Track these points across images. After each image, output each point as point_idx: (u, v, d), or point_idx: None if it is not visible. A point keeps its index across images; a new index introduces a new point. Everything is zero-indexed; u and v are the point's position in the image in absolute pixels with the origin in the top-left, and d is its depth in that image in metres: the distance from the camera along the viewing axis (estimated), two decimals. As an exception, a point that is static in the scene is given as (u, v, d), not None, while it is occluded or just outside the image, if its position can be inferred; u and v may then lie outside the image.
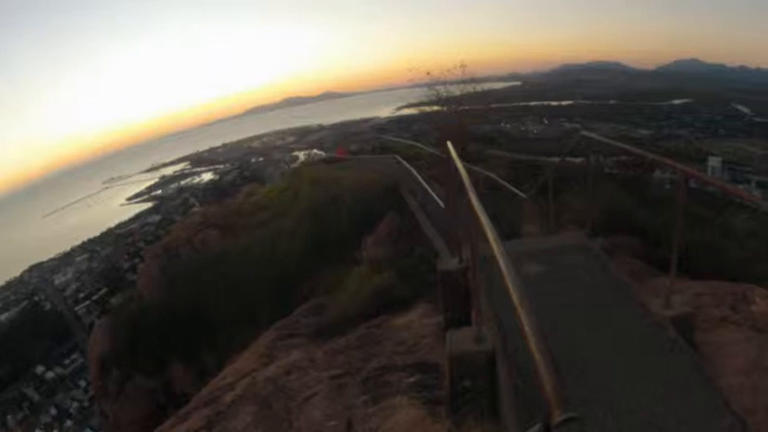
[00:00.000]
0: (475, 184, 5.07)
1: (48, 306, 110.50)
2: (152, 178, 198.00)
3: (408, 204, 21.30)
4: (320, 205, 26.23)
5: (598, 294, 5.90)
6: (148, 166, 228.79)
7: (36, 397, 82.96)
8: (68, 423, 72.04)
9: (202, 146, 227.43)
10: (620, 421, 3.82)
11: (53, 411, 77.92)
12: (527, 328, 2.31)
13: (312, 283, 18.38)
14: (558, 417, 1.79)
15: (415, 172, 25.10)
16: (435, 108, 31.03)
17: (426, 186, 21.01)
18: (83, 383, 78.17)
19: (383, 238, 17.29)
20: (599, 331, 5.07)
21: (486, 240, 3.55)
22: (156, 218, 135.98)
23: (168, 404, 25.37)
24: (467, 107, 29.26)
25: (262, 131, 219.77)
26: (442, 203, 16.65)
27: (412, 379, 6.52)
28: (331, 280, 15.66)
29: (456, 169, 5.81)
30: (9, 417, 64.90)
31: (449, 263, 7.13)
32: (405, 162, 29.27)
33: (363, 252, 14.86)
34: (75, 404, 77.23)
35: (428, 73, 29.41)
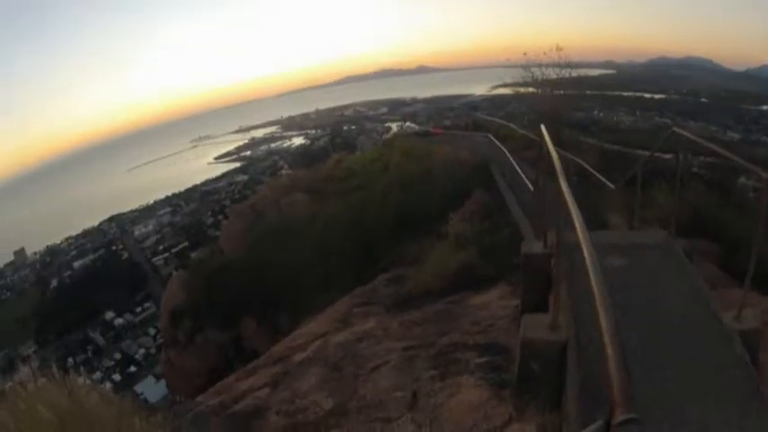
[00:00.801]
0: (565, 169, 5.06)
1: (125, 255, 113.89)
2: (241, 139, 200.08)
3: (497, 183, 21.33)
4: (410, 177, 26.26)
5: (673, 297, 5.78)
6: (237, 127, 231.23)
7: (101, 341, 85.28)
8: (132, 368, 73.82)
9: (294, 111, 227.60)
10: (675, 428, 3.79)
11: (117, 356, 79.84)
12: (603, 324, 2.34)
13: (395, 253, 18.43)
14: (619, 416, 1.84)
15: (506, 152, 24.94)
16: (530, 90, 30.77)
17: (517, 167, 20.92)
18: (152, 331, 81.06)
19: (470, 216, 16.94)
20: (668, 335, 4.98)
21: (573, 228, 3.57)
22: (244, 178, 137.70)
23: (235, 359, 25.62)
24: (562, 92, 28.98)
25: (355, 100, 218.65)
26: (531, 186, 16.53)
27: (482, 359, 6.50)
28: (414, 252, 15.82)
29: (548, 153, 5.80)
30: (70, 358, 65.81)
31: (533, 246, 7.01)
32: (497, 141, 29.18)
33: (449, 227, 14.76)
34: (141, 351, 79.63)
35: (525, 53, 29.20)
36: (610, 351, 2.17)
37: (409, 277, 12.77)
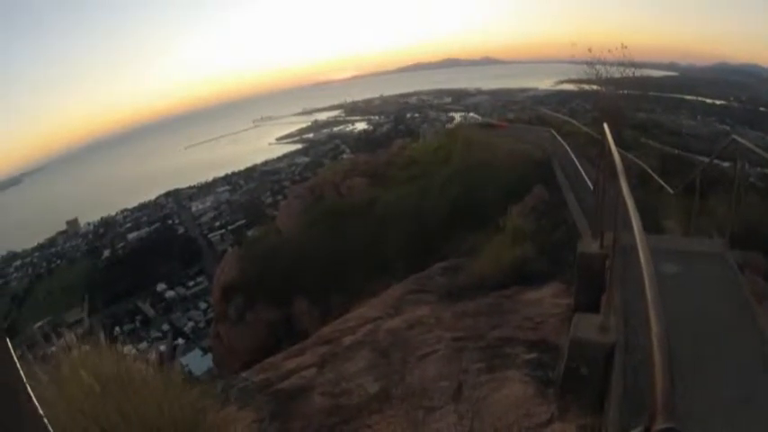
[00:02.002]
0: (625, 170, 5.02)
1: (180, 230, 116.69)
2: (304, 122, 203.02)
3: (558, 180, 21.14)
4: (471, 168, 26.37)
5: (724, 309, 5.74)
6: (301, 109, 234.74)
7: (151, 312, 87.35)
8: (179, 341, 74.39)
9: (358, 96, 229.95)
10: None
11: (165, 327, 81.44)
12: (654, 330, 2.31)
13: (452, 243, 18.47)
14: (659, 424, 1.80)
15: (568, 148, 24.64)
16: (594, 87, 30.66)
17: (578, 165, 20.82)
18: (202, 306, 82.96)
19: (529, 210, 17.22)
20: (714, 347, 4.95)
21: (630, 231, 3.54)
22: (305, 160, 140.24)
23: (284, 338, 25.79)
24: (625, 91, 28.81)
25: (419, 88, 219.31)
26: (590, 184, 16.48)
27: (530, 355, 6.49)
28: (471, 243, 15.79)
29: (610, 153, 5.75)
30: (117, 327, 66.76)
31: (589, 246, 6.97)
32: (559, 137, 28.71)
33: (507, 221, 14.76)
34: (190, 324, 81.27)
35: (590, 50, 29.06)
36: (657, 358, 2.14)
37: (464, 268, 12.77)
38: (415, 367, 7.00)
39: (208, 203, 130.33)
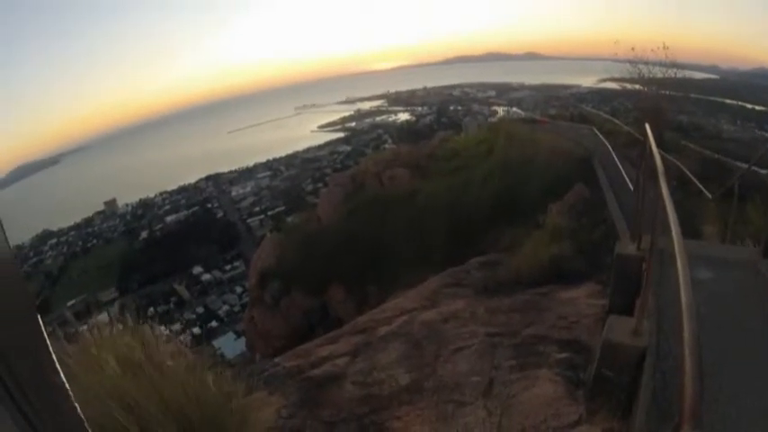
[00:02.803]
0: (665, 173, 4.98)
1: (219, 214, 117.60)
2: (347, 110, 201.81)
3: (599, 179, 21.01)
4: (513, 163, 26.34)
5: (754, 320, 5.60)
6: (344, 98, 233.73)
7: (186, 294, 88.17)
8: (213, 323, 75.72)
9: (402, 86, 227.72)
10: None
11: (200, 310, 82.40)
12: (686, 337, 2.28)
13: (491, 238, 18.55)
14: (686, 431, 1.79)
15: (610, 148, 24.85)
16: (636, 87, 30.48)
17: (619, 164, 20.80)
18: (238, 290, 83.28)
19: (568, 209, 17.22)
20: (740, 360, 4.79)
21: (668, 235, 3.50)
22: (347, 148, 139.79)
23: (319, 326, 26.05)
24: (667, 92, 28.62)
25: (463, 81, 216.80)
26: (630, 185, 16.40)
27: (562, 355, 6.49)
28: (510, 239, 16.04)
29: (651, 154, 5.71)
30: (151, 308, 67.39)
31: (627, 248, 6.90)
32: (601, 136, 28.95)
33: (547, 218, 14.77)
34: (225, 307, 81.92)
35: (633, 49, 28.88)
36: (687, 366, 2.12)
37: (502, 263, 12.80)
38: (448, 361, 7.02)
39: (248, 188, 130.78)
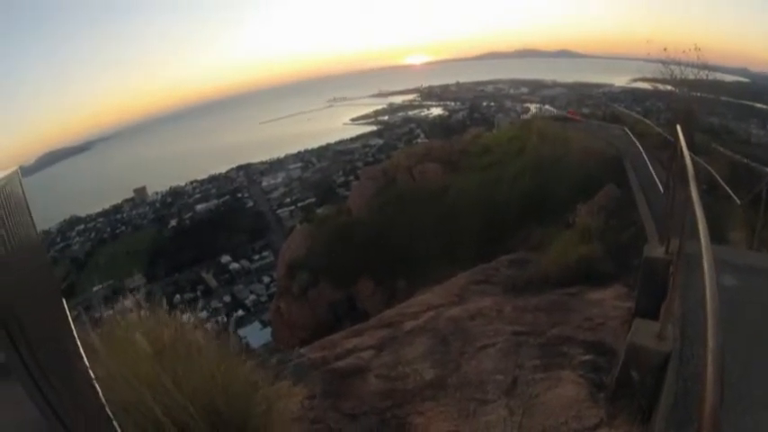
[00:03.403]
0: (695, 176, 4.95)
1: (249, 204, 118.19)
2: (379, 104, 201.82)
3: (629, 180, 20.92)
4: (544, 162, 26.51)
5: None
6: (377, 91, 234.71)
7: (213, 283, 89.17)
8: (239, 312, 75.16)
9: (434, 81, 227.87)
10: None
11: (227, 299, 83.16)
12: (710, 344, 2.27)
13: (520, 236, 18.64)
14: None
15: (641, 149, 24.61)
16: (668, 87, 30.33)
17: (650, 166, 20.72)
18: (266, 280, 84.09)
19: (598, 209, 16.85)
20: (762, 370, 4.70)
21: (696, 238, 3.48)
22: (379, 142, 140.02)
23: (345, 318, 26.25)
24: (698, 94, 28.47)
25: (495, 77, 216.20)
26: (661, 187, 16.33)
27: (586, 357, 6.46)
28: (539, 238, 16.24)
29: (682, 157, 5.68)
30: (178, 295, 67.62)
31: (655, 250, 6.81)
32: (632, 136, 28.69)
33: (576, 218, 14.74)
34: (252, 297, 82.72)
35: (665, 49, 28.71)
36: (709, 373, 2.11)
37: (531, 262, 12.84)
38: (473, 358, 7.02)
39: (279, 179, 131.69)
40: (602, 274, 10.60)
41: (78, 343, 3.81)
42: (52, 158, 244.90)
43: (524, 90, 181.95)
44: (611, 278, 10.31)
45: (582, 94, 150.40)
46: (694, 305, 4.14)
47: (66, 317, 4.11)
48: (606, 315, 7.96)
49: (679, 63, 27.92)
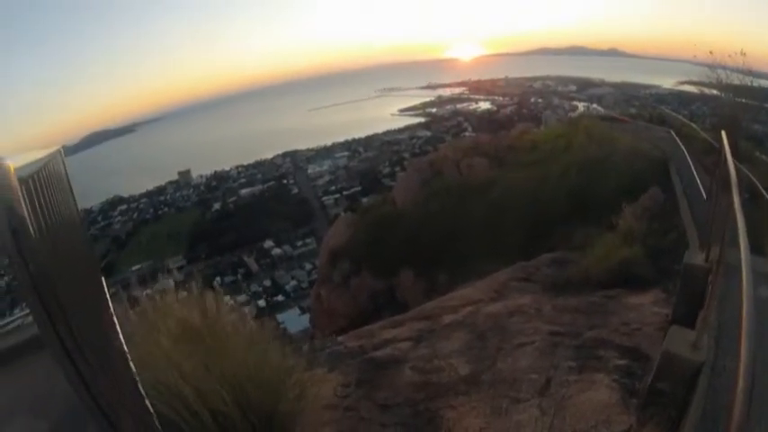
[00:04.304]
0: (739, 184, 4.90)
1: (294, 190, 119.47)
2: (427, 96, 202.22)
3: (673, 184, 20.71)
4: (591, 161, 26.17)
5: None
6: (426, 83, 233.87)
7: (255, 267, 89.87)
8: (279, 297, 77.17)
9: (483, 75, 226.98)
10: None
11: (267, 283, 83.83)
12: (743, 357, 2.26)
13: (563, 235, 18.48)
14: None
15: (686, 153, 24.15)
16: (714, 92, 30.06)
17: (694, 171, 20.54)
18: (307, 266, 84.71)
19: (642, 212, 16.57)
20: None
21: (737, 248, 3.45)
22: (426, 134, 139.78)
23: (385, 308, 26.18)
24: (743, 100, 28.18)
25: (544, 73, 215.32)
26: (704, 193, 16.24)
27: (621, 362, 6.43)
28: (582, 237, 15.91)
29: (725, 163, 5.63)
30: (218, 278, 68.08)
31: (695, 257, 6.75)
32: (678, 140, 28.30)
33: (620, 220, 14.66)
34: (292, 282, 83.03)
35: (711, 52, 28.42)
36: (740, 386, 2.10)
37: (572, 262, 12.85)
38: (509, 355, 7.03)
39: (325, 167, 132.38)
40: (643, 278, 10.56)
41: (115, 319, 3.87)
42: (96, 139, 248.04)
43: (572, 88, 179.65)
44: (650, 283, 10.27)
45: (629, 95, 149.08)
46: (731, 316, 4.09)
47: (104, 293, 4.17)
48: (643, 320, 7.94)
49: (724, 67, 27.62)
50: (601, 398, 5.59)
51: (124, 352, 3.56)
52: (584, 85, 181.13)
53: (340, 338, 8.47)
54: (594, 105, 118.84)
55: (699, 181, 18.48)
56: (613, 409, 5.33)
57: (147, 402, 3.17)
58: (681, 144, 25.89)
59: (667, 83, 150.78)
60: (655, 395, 4.94)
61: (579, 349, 6.96)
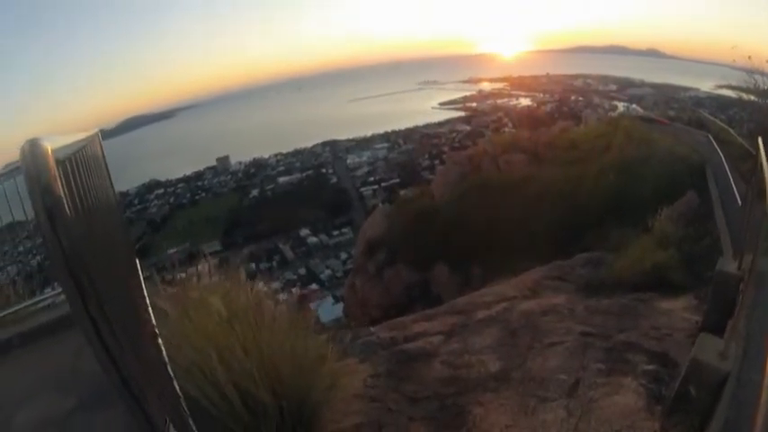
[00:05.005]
0: None
1: (333, 180, 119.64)
2: (468, 90, 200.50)
3: (709, 189, 20.68)
4: (629, 162, 26.40)
5: None
6: (466, 77, 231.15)
7: (290, 255, 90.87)
8: (313, 286, 75.67)
9: (524, 71, 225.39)
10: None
11: (302, 271, 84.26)
12: None
13: (599, 235, 18.61)
14: None
15: (723, 158, 24.44)
16: (752, 98, 29.78)
17: (730, 177, 20.48)
18: (343, 256, 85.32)
19: (677, 216, 16.76)
20: None
21: None
22: (466, 128, 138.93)
23: (418, 301, 26.41)
24: None
25: (585, 71, 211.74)
26: (739, 200, 16.14)
27: (649, 367, 6.33)
28: (617, 239, 16.02)
29: (761, 171, 5.60)
30: (253, 264, 68.36)
31: (728, 265, 6.65)
32: (715, 144, 28.58)
33: (656, 223, 14.63)
34: (327, 271, 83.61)
35: (749, 57, 28.16)
36: (763, 398, 2.10)
37: (607, 263, 12.82)
38: (539, 354, 7.00)
39: (364, 158, 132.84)
40: (676, 283, 10.54)
41: (147, 300, 3.93)
42: (134, 123, 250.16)
43: (612, 87, 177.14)
44: (683, 288, 10.23)
45: (669, 97, 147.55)
46: (761, 326, 4.05)
47: (138, 274, 4.24)
48: (674, 326, 7.90)
49: (762, 73, 27.33)
50: (627, 402, 5.54)
51: (155, 333, 3.61)
52: (625, 85, 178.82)
53: (373, 329, 8.57)
54: (634, 106, 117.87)
55: (734, 187, 18.40)
56: (638, 415, 5.28)
57: (176, 384, 3.22)
58: (718, 149, 25.81)
59: (705, 86, 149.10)
60: (680, 403, 4.91)
61: (609, 352, 6.90)
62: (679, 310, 8.80)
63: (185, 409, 3.17)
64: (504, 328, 8.03)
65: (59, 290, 6.41)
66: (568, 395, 5.86)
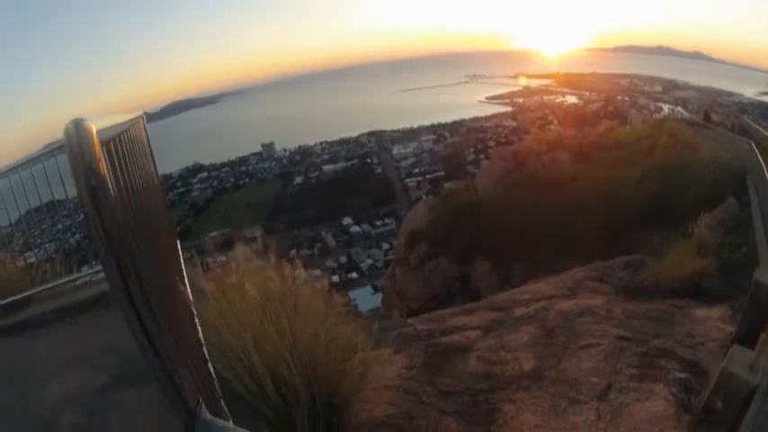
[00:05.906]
0: None
1: (378, 170, 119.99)
2: (515, 85, 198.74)
3: (749, 198, 20.60)
4: (672, 166, 26.31)
5: None
6: (513, 73, 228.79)
7: (332, 243, 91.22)
8: (353, 275, 77.92)
9: (571, 68, 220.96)
10: None
11: (343, 260, 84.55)
12: None
13: (640, 238, 18.55)
14: None
15: (764, 167, 23.91)
16: None
17: None
18: (384, 246, 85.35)
19: (717, 223, 16.69)
20: None
21: None
22: (512, 123, 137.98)
23: (458, 295, 26.65)
24: None
25: (631, 72, 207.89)
26: None
27: (681, 375, 6.31)
28: (658, 243, 15.66)
29: None
30: (294, 250, 68.84)
31: (764, 276, 6.52)
32: (757, 152, 28.01)
33: (696, 228, 14.62)
34: (368, 261, 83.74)
35: None
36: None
37: (646, 267, 12.70)
38: (574, 355, 7.00)
39: (410, 149, 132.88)
40: (713, 291, 10.49)
41: (186, 282, 3.99)
42: (179, 107, 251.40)
43: (658, 89, 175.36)
44: (720, 297, 10.11)
45: (713, 101, 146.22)
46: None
47: (179, 256, 4.31)
48: (708, 335, 7.83)
49: None
50: (656, 409, 5.54)
51: (192, 314, 3.68)
52: (670, 87, 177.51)
53: (410, 320, 8.69)
54: (679, 108, 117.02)
55: (774, 199, 18.29)
56: (667, 423, 5.28)
57: (210, 366, 3.27)
58: (760, 158, 25.61)
59: (749, 92, 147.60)
60: (709, 413, 4.92)
61: (643, 357, 6.87)
62: (714, 320, 8.69)
63: (218, 390, 3.23)
64: (540, 327, 8.04)
65: (96, 268, 6.53)
66: (599, 398, 5.86)
